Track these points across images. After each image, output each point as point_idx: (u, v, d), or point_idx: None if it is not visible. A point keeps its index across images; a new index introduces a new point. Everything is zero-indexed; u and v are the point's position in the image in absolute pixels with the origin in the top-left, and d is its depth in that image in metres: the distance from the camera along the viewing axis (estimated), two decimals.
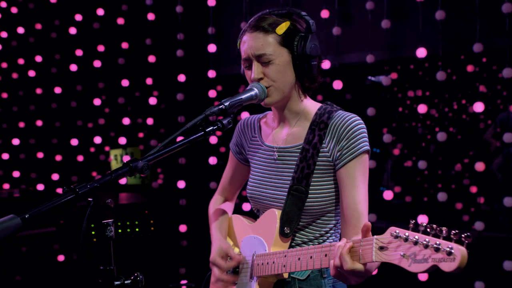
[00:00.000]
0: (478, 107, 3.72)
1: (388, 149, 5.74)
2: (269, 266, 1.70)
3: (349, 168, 1.70)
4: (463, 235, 1.12)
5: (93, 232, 3.61)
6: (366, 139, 1.73)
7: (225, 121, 1.61)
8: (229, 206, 2.15)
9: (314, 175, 1.74)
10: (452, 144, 6.19)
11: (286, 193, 1.77)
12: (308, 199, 1.74)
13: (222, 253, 1.90)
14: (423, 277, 3.88)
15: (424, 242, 1.16)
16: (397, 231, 1.23)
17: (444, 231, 1.14)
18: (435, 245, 1.14)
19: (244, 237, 1.91)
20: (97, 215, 1.33)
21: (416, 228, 1.20)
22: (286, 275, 1.73)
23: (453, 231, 1.13)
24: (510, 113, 5.13)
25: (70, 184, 1.25)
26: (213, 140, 4.63)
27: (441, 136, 3.78)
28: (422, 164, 3.96)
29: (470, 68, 4.94)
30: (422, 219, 3.82)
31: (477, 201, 5.48)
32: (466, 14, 3.78)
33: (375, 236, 1.31)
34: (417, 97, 5.93)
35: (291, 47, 1.74)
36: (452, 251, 1.10)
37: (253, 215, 2.06)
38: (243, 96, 1.68)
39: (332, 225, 1.82)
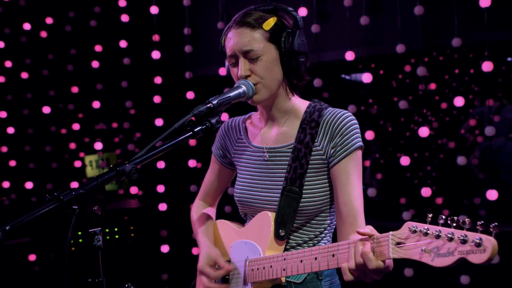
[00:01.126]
0: (458, 101, 3.72)
1: (369, 147, 5.75)
2: (265, 270, 1.64)
3: (344, 164, 1.67)
4: (491, 225, 1.08)
5: (71, 241, 3.50)
6: (359, 134, 1.70)
7: (213, 120, 1.55)
8: (212, 212, 2.07)
9: (307, 175, 1.70)
10: (432, 139, 6.23)
11: (279, 195, 1.71)
12: (302, 200, 1.69)
13: (211, 261, 1.82)
14: (409, 272, 3.87)
15: (448, 235, 1.11)
16: (415, 225, 1.19)
17: (467, 222, 1.10)
18: (461, 237, 1.09)
19: (234, 243, 1.84)
20: (81, 224, 1.24)
21: (435, 220, 1.16)
22: (283, 280, 1.67)
23: (479, 222, 1.10)
24: (486, 108, 5.18)
25: (44, 193, 1.17)
26: (192, 142, 4.55)
27: (422, 132, 3.78)
28: (403, 160, 3.95)
29: (448, 63, 4.97)
30: (407, 215, 3.81)
31: (458, 196, 5.53)
32: (444, 9, 3.78)
33: (390, 232, 1.26)
34: (396, 94, 5.95)
35: (279, 43, 1.70)
36: (482, 242, 1.06)
37: (235, 217, 1.99)
38: (231, 94, 1.63)
39: (326, 225, 1.77)
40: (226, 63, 1.78)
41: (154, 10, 4.60)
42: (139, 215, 4.51)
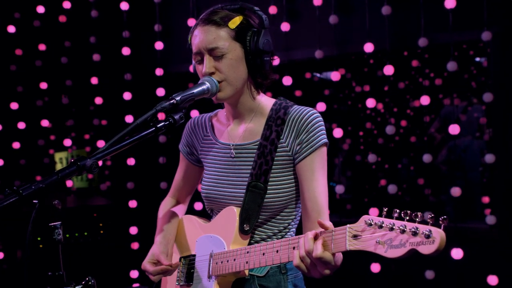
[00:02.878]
0: (424, 100, 3.80)
1: (338, 144, 5.81)
2: (229, 264, 1.67)
3: (309, 161, 1.70)
4: (440, 218, 1.14)
5: (39, 238, 3.47)
6: (324, 131, 1.74)
7: (176, 116, 1.56)
8: (181, 209, 2.08)
9: (272, 171, 1.73)
10: (400, 137, 6.33)
11: (244, 190, 1.74)
12: (267, 195, 1.72)
13: (153, 259, 1.86)
14: (376, 268, 3.94)
15: (401, 227, 1.17)
16: (371, 218, 1.24)
17: (419, 216, 1.16)
18: (412, 229, 1.15)
19: (199, 237, 1.85)
20: (44, 218, 1.25)
21: (390, 215, 1.21)
22: (247, 273, 1.70)
23: (429, 215, 1.14)
24: (453, 107, 5.30)
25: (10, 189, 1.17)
26: (162, 138, 4.54)
27: (389, 130, 3.85)
28: (371, 158, 4.01)
29: (415, 62, 5.07)
30: (373, 212, 3.88)
31: (425, 193, 5.63)
32: (411, 9, 3.86)
33: (348, 225, 1.30)
34: (364, 92, 6.03)
35: (244, 41, 1.72)
36: (431, 234, 1.12)
37: (205, 215, 2.01)
38: (195, 91, 1.64)
39: (291, 220, 1.80)
40: (193, 61, 1.80)
41: (124, 6, 4.58)
42: (109, 212, 4.49)
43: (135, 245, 4.64)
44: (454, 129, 3.61)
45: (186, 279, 1.86)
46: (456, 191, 3.59)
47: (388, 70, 3.79)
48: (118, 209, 4.77)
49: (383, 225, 1.21)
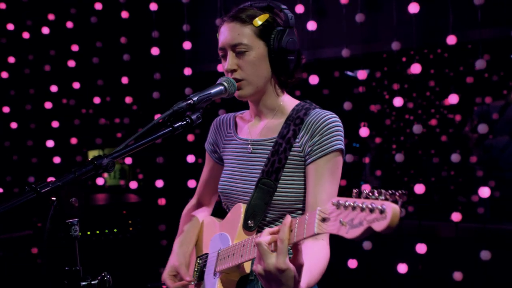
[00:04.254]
0: (453, 99, 3.74)
1: (367, 144, 5.76)
2: (229, 258, 1.65)
3: (318, 165, 1.65)
4: (397, 193, 1.06)
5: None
6: (341, 137, 1.68)
7: (193, 116, 1.57)
8: (203, 212, 2.07)
9: (284, 170, 1.70)
10: (430, 136, 6.23)
11: (253, 187, 1.72)
12: (276, 194, 1.69)
13: (173, 271, 1.86)
14: (403, 269, 3.90)
15: (361, 205, 1.10)
16: (339, 200, 1.17)
17: (383, 193, 1.08)
18: (370, 206, 1.07)
19: (212, 236, 1.86)
20: (61, 215, 1.29)
21: (359, 195, 1.14)
22: (247, 269, 1.67)
23: (389, 191, 1.07)
24: (487, 106, 5.18)
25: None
26: (190, 137, 4.59)
27: (416, 129, 3.80)
28: (399, 157, 3.97)
29: (444, 60, 4.98)
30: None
31: (455, 193, 5.52)
32: (439, 6, 3.80)
33: (318, 208, 1.24)
34: (393, 91, 5.96)
35: (268, 40, 1.72)
36: (385, 209, 1.04)
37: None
38: (212, 91, 1.65)
39: None
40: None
41: (153, 6, 4.65)
42: (138, 210, 4.56)
43: (163, 242, 4.71)
44: (483, 128, 3.54)
45: (198, 278, 1.86)
46: (484, 192, 3.53)
47: (416, 68, 3.74)
48: (147, 206, 4.84)
49: (347, 205, 1.13)
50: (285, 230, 1.30)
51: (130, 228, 4.28)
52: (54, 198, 1.25)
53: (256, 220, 1.70)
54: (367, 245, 3.87)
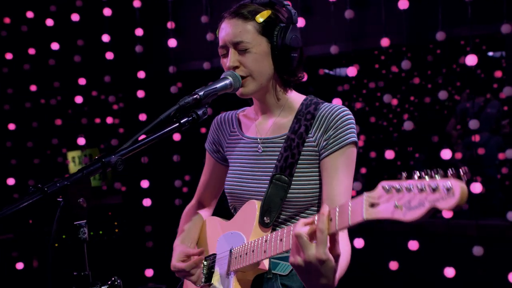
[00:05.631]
0: (442, 95, 3.75)
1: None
2: (248, 256, 1.60)
3: (333, 158, 1.63)
4: (461, 170, 1.04)
5: (63, 236, 3.46)
6: (354, 130, 1.66)
7: (200, 112, 1.52)
8: (205, 212, 2.01)
9: (298, 165, 1.67)
10: (415, 133, 6.26)
11: (267, 184, 1.68)
12: (291, 190, 1.66)
13: (181, 256, 1.79)
14: (394, 266, 3.89)
15: (419, 186, 1.07)
16: (389, 183, 1.14)
17: (440, 173, 1.06)
18: (431, 186, 1.05)
19: (220, 236, 1.80)
20: (66, 217, 1.22)
21: (409, 178, 1.11)
22: (266, 266, 1.64)
23: (450, 170, 1.05)
24: (470, 103, 5.22)
25: (27, 189, 1.14)
26: (176, 137, 4.52)
27: (407, 125, 3.79)
28: (389, 154, 3.97)
29: (432, 56, 5.00)
30: None
31: None
32: (428, 2, 3.80)
33: (365, 193, 1.20)
34: (380, 88, 5.97)
35: (271, 36, 1.67)
36: (451, 187, 1.02)
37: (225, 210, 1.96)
38: (217, 85, 1.60)
39: None
40: (219, 54, 1.76)
41: (136, 3, 4.56)
42: (123, 211, 4.48)
43: (149, 243, 4.63)
44: (474, 124, 3.55)
45: (206, 279, 1.80)
46: (476, 187, 3.54)
47: (405, 65, 3.73)
48: (133, 207, 4.76)
49: (400, 188, 1.10)
50: (324, 220, 1.26)
51: (116, 230, 4.19)
52: (61, 199, 1.17)
53: (272, 216, 1.66)
54: (358, 243, 3.85)
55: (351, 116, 1.67)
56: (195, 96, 1.52)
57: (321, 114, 1.67)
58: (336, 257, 1.30)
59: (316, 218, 1.31)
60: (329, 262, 1.27)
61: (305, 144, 1.68)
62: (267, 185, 1.69)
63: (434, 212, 1.08)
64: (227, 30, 1.68)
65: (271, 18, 1.68)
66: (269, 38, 1.67)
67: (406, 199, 1.09)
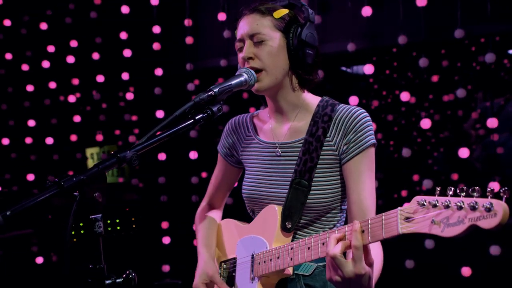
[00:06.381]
0: (460, 93, 3.71)
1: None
2: (272, 262, 1.61)
3: (356, 162, 1.64)
4: (501, 190, 1.06)
5: (73, 232, 3.50)
6: (372, 131, 1.67)
7: (215, 108, 1.53)
8: (216, 214, 2.03)
9: (317, 169, 1.67)
10: (433, 132, 6.20)
11: (287, 188, 1.69)
12: (311, 194, 1.66)
13: (207, 279, 1.80)
14: (410, 265, 3.87)
15: (458, 204, 1.10)
16: (424, 198, 1.17)
17: (477, 190, 1.09)
18: (471, 204, 1.07)
19: (240, 240, 1.80)
20: (82, 211, 1.24)
21: (444, 193, 1.14)
22: (290, 271, 1.64)
23: (489, 188, 1.08)
24: (490, 102, 5.16)
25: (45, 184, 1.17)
26: (193, 134, 4.54)
27: (425, 124, 3.76)
28: (405, 152, 3.94)
29: (451, 54, 4.95)
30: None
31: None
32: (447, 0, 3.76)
33: (399, 208, 1.24)
34: (399, 85, 5.93)
35: (287, 33, 1.69)
36: (492, 207, 1.05)
37: (237, 210, 1.97)
38: (233, 82, 1.61)
39: (335, 222, 1.74)
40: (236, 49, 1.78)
41: (154, 1, 4.58)
42: (140, 207, 4.51)
43: (166, 240, 4.66)
44: (492, 122, 3.51)
45: (228, 283, 1.80)
46: (495, 187, 3.50)
47: (423, 62, 3.70)
48: (150, 203, 4.79)
49: (437, 204, 1.13)
50: (358, 237, 1.31)
51: (133, 226, 4.23)
52: (77, 193, 1.19)
53: (294, 221, 1.67)
54: None
55: (369, 117, 1.68)
56: (210, 93, 1.53)
57: (339, 116, 1.68)
58: (370, 265, 1.35)
59: (346, 231, 1.36)
60: (367, 274, 1.33)
61: (324, 147, 1.68)
62: (286, 190, 1.70)
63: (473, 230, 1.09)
64: (244, 25, 1.71)
65: (289, 16, 1.71)
66: (285, 34, 1.69)
67: (444, 215, 1.12)
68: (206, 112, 1.51)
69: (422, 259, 3.88)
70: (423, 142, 6.16)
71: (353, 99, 3.98)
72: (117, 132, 5.51)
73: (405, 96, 3.86)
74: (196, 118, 1.49)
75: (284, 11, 1.70)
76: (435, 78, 4.80)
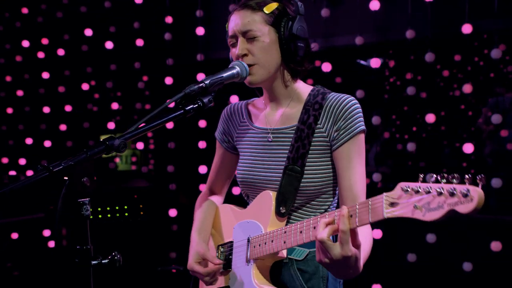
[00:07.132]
0: (467, 89, 3.71)
1: (377, 132, 5.73)
2: (267, 246, 1.67)
3: (346, 148, 1.69)
4: (477, 177, 1.12)
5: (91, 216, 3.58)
6: (362, 118, 1.72)
7: (205, 100, 1.58)
8: (217, 200, 2.08)
9: (309, 155, 1.73)
10: (442, 126, 6.18)
11: (281, 174, 1.74)
12: (303, 179, 1.72)
13: (199, 258, 1.86)
14: (412, 258, 3.90)
15: (438, 190, 1.15)
16: (407, 185, 1.22)
17: (456, 177, 1.14)
18: (449, 190, 1.13)
19: (236, 224, 1.86)
20: (73, 194, 1.30)
21: (426, 180, 1.20)
22: (284, 254, 1.70)
23: (466, 176, 1.13)
24: (499, 97, 5.13)
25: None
26: (202, 123, 4.60)
27: (429, 118, 3.77)
28: (411, 146, 3.95)
29: (459, 49, 4.93)
30: None
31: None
32: None
33: (384, 193, 1.29)
34: (406, 79, 5.91)
35: (278, 27, 1.73)
36: (469, 192, 1.10)
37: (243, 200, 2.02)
38: (224, 75, 1.66)
39: (327, 206, 1.79)
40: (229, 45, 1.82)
41: None
42: (149, 194, 4.59)
43: (174, 227, 4.74)
44: (497, 119, 3.51)
45: (224, 266, 1.87)
46: (497, 183, 3.51)
47: (430, 57, 3.71)
48: (158, 191, 4.87)
49: (419, 190, 1.19)
50: (345, 222, 1.35)
51: (141, 213, 4.31)
52: (66, 178, 1.26)
53: (287, 206, 1.73)
54: (376, 234, 3.87)
55: (358, 104, 1.73)
56: (201, 85, 1.59)
57: (329, 104, 1.73)
58: (357, 247, 1.40)
59: (336, 215, 1.41)
60: (354, 255, 1.37)
61: (315, 134, 1.73)
62: (279, 174, 1.75)
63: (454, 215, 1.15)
64: (236, 20, 1.75)
65: (279, 10, 1.75)
66: (276, 28, 1.73)
67: (426, 200, 1.18)
68: (196, 103, 1.56)
69: (424, 253, 3.90)
70: (430, 137, 6.15)
71: (360, 93, 4.00)
72: (129, 120, 5.60)
73: (411, 90, 3.87)
74: (186, 108, 1.54)
75: (274, 5, 1.74)
76: (444, 73, 4.82)
